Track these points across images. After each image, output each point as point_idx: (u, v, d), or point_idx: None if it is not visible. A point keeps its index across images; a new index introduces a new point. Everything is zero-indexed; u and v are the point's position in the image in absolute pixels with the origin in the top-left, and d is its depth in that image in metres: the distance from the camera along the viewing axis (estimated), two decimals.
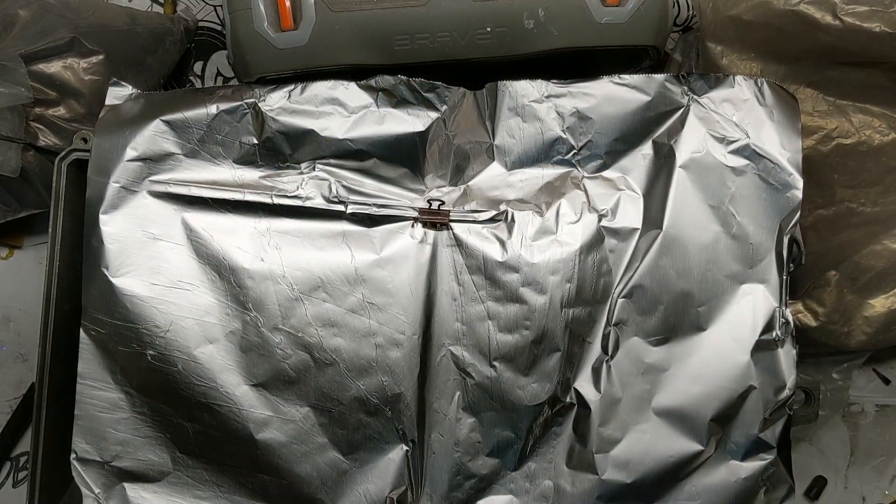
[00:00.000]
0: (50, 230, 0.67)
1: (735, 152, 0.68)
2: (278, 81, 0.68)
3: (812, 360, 0.82)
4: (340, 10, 0.66)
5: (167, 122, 0.66)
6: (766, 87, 0.69)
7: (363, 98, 0.68)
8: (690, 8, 0.88)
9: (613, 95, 0.68)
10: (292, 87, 0.67)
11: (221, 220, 0.66)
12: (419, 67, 0.68)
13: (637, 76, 0.69)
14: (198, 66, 0.87)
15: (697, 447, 0.67)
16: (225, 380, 0.66)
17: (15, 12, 0.72)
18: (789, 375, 0.67)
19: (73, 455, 0.65)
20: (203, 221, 0.66)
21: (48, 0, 0.73)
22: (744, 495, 0.67)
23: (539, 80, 0.69)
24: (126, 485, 0.66)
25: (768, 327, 0.67)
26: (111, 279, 0.65)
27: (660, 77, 0.69)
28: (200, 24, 0.87)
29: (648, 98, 0.68)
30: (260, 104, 0.67)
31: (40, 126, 0.72)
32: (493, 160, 0.69)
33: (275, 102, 0.67)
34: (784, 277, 0.68)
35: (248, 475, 0.67)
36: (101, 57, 0.74)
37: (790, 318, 0.67)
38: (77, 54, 0.73)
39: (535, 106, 0.69)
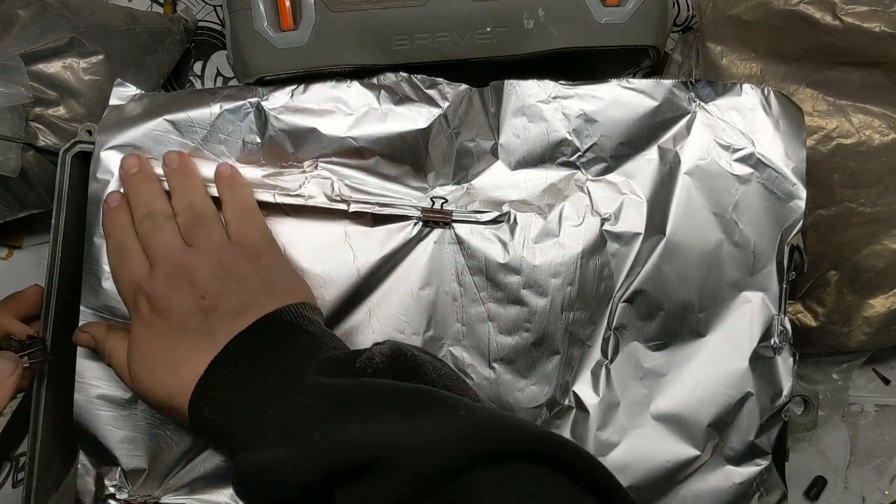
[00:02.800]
0: (53, 222, 0.67)
1: (740, 160, 0.68)
2: (278, 82, 0.67)
3: (812, 360, 0.83)
4: (340, 10, 0.65)
5: (170, 122, 0.66)
6: (772, 97, 0.68)
7: (365, 96, 0.67)
8: (690, 8, 0.87)
9: (621, 99, 0.68)
10: (295, 86, 0.67)
11: None
12: (419, 67, 0.67)
13: (645, 81, 0.68)
14: (198, 67, 0.86)
15: (694, 452, 0.67)
16: None
17: (15, 12, 0.71)
18: (786, 383, 0.67)
19: (80, 455, 0.66)
20: None
21: (48, 0, 0.72)
22: (738, 500, 0.68)
23: (546, 81, 0.68)
24: (127, 482, 0.66)
25: (767, 335, 0.67)
26: None
27: (668, 83, 0.68)
28: (200, 24, 0.86)
29: (656, 103, 0.67)
30: (263, 103, 0.66)
31: (40, 126, 0.72)
32: (498, 159, 0.69)
33: (278, 101, 0.66)
34: (784, 286, 0.68)
35: None
36: (100, 57, 0.74)
37: (788, 327, 0.67)
38: (77, 54, 0.72)
39: (542, 106, 0.68)
